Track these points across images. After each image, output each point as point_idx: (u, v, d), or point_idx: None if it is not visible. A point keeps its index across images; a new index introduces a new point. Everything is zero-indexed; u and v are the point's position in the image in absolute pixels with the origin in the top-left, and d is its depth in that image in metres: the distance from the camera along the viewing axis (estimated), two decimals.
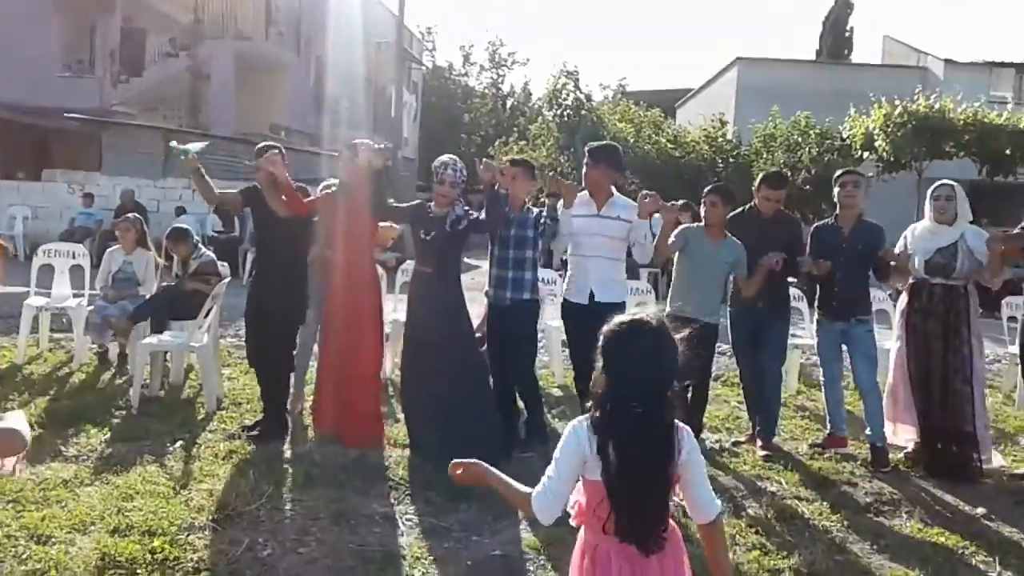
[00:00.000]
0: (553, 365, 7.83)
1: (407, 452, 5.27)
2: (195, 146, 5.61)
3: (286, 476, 4.79)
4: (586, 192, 5.60)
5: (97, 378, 6.96)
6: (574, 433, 2.21)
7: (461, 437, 4.84)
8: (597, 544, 2.22)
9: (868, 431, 5.61)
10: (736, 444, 5.85)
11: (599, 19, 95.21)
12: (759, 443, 5.70)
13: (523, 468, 4.67)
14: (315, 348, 6.12)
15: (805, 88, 26.03)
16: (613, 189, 5.61)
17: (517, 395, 5.62)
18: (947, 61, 28.31)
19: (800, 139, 21.56)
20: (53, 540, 3.77)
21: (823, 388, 5.89)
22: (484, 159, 5.42)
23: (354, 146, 5.51)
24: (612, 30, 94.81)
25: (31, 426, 2.65)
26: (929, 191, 5.57)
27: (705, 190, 5.68)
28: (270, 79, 25.84)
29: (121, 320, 6.88)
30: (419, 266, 5.44)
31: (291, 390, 5.85)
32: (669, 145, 22.73)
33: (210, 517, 4.12)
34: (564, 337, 6.21)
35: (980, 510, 4.78)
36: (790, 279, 5.95)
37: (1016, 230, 5.55)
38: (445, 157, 5.35)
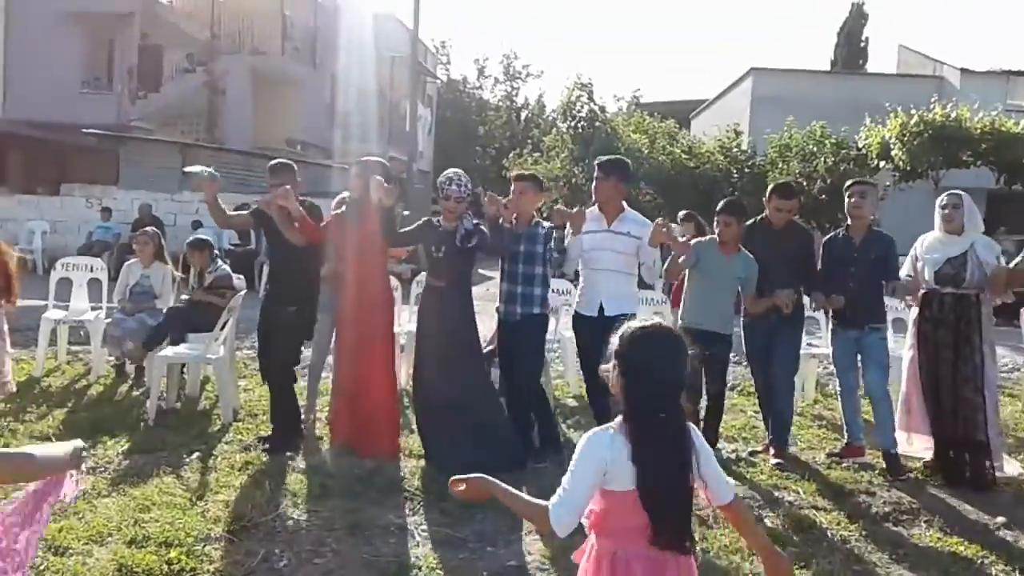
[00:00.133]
0: (568, 375, 7.83)
1: (422, 463, 5.28)
2: (207, 170, 5.53)
3: (302, 487, 4.80)
4: (596, 207, 5.62)
5: (114, 390, 7.02)
6: (594, 443, 2.19)
7: (474, 448, 4.86)
8: (615, 551, 2.20)
9: (879, 438, 5.59)
10: (752, 454, 5.82)
11: (613, 31, 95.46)
12: (772, 451, 5.69)
13: (537, 478, 4.69)
14: (329, 360, 6.15)
15: (820, 98, 25.88)
16: (624, 204, 5.62)
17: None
18: (963, 70, 28.12)
19: (815, 149, 21.44)
20: (71, 551, 3.80)
21: (839, 397, 5.89)
22: (489, 192, 5.46)
23: (364, 162, 5.54)
24: (626, 42, 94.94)
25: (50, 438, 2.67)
26: (937, 201, 5.57)
27: (718, 208, 5.64)
28: (286, 94, 26.06)
29: (136, 349, 6.96)
30: (431, 280, 5.48)
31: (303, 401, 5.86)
32: (684, 156, 22.64)
33: (226, 528, 4.14)
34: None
35: (1000, 519, 4.73)
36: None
37: (1018, 259, 5.63)
38: (449, 172, 5.38)
